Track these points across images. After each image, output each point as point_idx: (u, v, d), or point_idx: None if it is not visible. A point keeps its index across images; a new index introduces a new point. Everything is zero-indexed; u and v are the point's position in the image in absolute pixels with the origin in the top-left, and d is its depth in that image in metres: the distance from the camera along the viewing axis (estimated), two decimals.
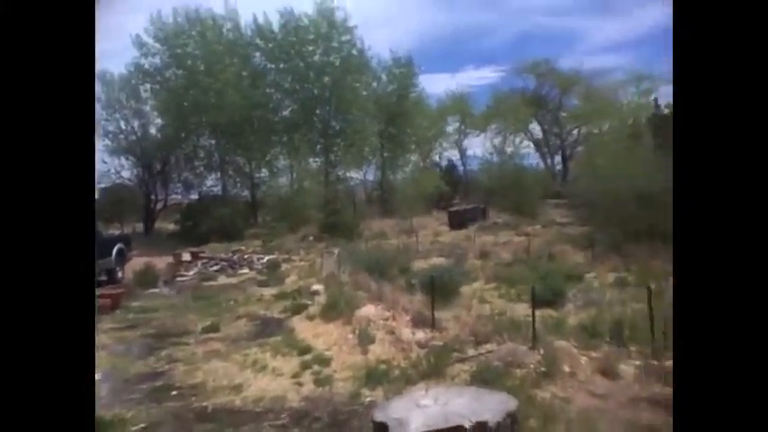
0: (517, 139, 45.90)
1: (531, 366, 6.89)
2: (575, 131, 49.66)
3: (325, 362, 8.03)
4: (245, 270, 19.04)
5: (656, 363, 7.16)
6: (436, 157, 49.22)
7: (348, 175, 40.52)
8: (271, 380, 7.55)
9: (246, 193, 37.80)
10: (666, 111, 30.16)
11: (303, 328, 10.16)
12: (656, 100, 34.02)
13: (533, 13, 74.02)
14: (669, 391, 6.43)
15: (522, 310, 9.52)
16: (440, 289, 10.37)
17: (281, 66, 36.24)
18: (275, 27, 35.97)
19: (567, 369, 6.79)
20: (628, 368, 6.93)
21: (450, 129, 49.74)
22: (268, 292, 14.26)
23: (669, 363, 7.20)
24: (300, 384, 7.29)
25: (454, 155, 50.07)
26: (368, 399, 6.57)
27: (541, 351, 7.17)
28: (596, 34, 73.73)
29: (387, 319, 9.35)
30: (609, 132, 38.96)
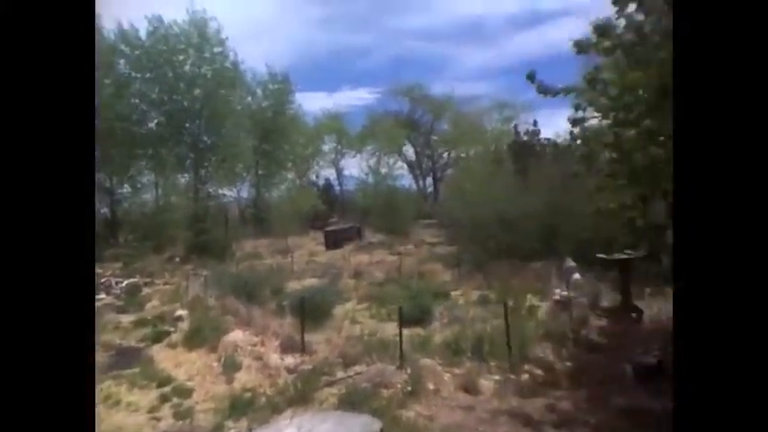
0: (391, 161, 47.28)
1: (398, 386, 7.01)
2: (445, 155, 52.37)
3: (186, 393, 7.56)
4: (102, 295, 17.39)
5: (513, 377, 7.63)
6: (313, 176, 49.22)
7: (220, 191, 38.96)
8: (125, 416, 6.95)
9: (106, 210, 34.79)
10: (525, 137, 32.75)
11: (164, 357, 9.49)
12: (515, 127, 36.80)
13: (408, 37, 77.25)
14: (525, 403, 6.88)
15: (391, 329, 9.70)
16: (312, 311, 10.26)
17: (148, 75, 34.10)
18: (142, 34, 33.89)
19: (431, 387, 7.01)
20: (487, 383, 7.31)
21: (326, 148, 50.09)
22: (126, 319, 13.16)
23: (525, 376, 7.73)
24: (158, 419, 6.79)
25: (331, 174, 50.43)
26: (231, 431, 6.26)
27: (408, 370, 7.33)
28: (466, 62, 78.56)
29: (255, 345, 9.03)
30: (475, 157, 41.53)
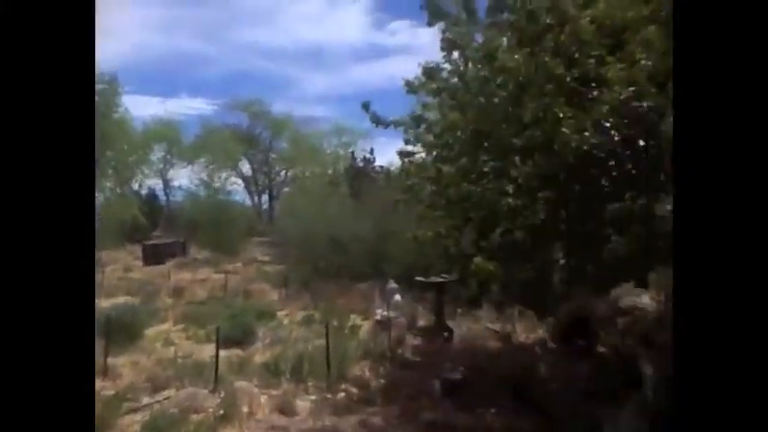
0: (224, 174, 45.60)
1: (210, 410, 6.70)
2: (282, 173, 52.01)
3: None
4: None
5: (329, 396, 7.74)
6: (136, 185, 45.35)
7: None
8: None
9: None
10: (361, 164, 33.96)
11: None
12: (353, 153, 38.03)
13: (252, 53, 75.37)
14: (339, 421, 7.01)
15: (210, 350, 9.26)
16: (120, 331, 9.42)
17: None
18: None
19: (245, 410, 6.81)
20: (304, 403, 7.31)
21: (155, 156, 46.67)
22: None
23: (342, 395, 7.88)
24: None
25: (158, 184, 46.99)
26: None
27: (222, 393, 7.05)
28: (307, 84, 78.99)
29: None
30: (312, 177, 41.94)
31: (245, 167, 50.52)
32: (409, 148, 9.43)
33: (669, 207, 4.64)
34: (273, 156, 51.97)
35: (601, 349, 10.09)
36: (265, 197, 52.24)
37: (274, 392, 7.44)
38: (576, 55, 6.22)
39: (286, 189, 49.35)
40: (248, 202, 49.54)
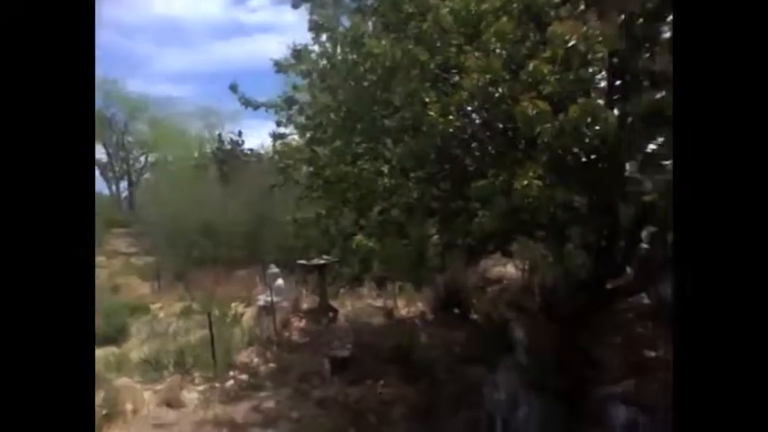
0: None
1: None
2: (142, 158, 48.47)
3: None
4: None
5: (218, 385, 7.70)
6: None
7: None
8: None
9: None
10: (230, 146, 32.65)
11: None
12: (220, 135, 36.40)
13: (98, 26, 68.26)
14: (230, 409, 7.02)
15: None
16: None
17: None
18: None
19: (129, 407, 6.60)
20: (191, 395, 7.23)
21: None
22: None
23: (230, 383, 7.87)
24: None
25: None
26: None
27: (102, 393, 6.74)
28: (164, 62, 73.05)
29: None
30: (176, 162, 39.66)
31: (99, 152, 46.33)
32: (281, 130, 9.41)
33: (526, 182, 5.22)
34: (130, 139, 48.15)
35: (474, 316, 11.06)
36: (124, 184, 48.46)
37: (158, 387, 7.27)
38: (438, 43, 6.60)
39: (147, 175, 46.20)
40: (105, 190, 45.71)
